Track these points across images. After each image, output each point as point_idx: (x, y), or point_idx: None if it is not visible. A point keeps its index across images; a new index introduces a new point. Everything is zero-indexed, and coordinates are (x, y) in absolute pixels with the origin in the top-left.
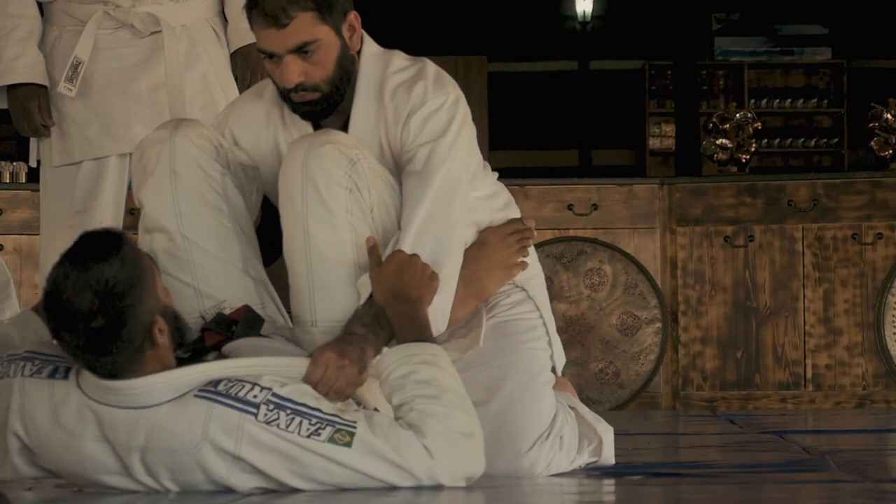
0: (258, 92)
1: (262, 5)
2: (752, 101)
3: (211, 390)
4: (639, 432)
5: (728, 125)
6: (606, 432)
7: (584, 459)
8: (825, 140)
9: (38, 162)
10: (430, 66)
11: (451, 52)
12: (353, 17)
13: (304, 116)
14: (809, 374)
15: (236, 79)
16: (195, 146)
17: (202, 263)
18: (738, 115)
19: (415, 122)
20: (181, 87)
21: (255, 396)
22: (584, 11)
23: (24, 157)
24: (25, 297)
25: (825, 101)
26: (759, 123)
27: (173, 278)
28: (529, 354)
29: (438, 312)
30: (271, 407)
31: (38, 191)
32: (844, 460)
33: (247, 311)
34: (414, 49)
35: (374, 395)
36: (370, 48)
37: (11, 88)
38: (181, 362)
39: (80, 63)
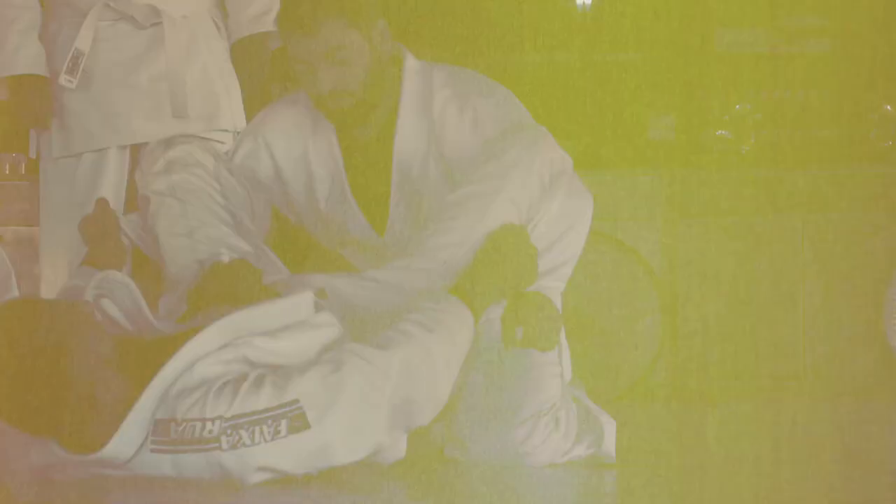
0: (293, 100)
1: (292, 13)
2: (753, 92)
3: (165, 440)
4: (637, 425)
5: (728, 117)
6: (609, 424)
7: (584, 450)
8: (826, 132)
9: (38, 153)
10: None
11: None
12: (383, 24)
13: (340, 125)
14: (809, 367)
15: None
16: (193, 145)
17: (195, 216)
18: (738, 106)
19: None
20: (182, 78)
21: (210, 432)
22: (584, 3)
23: (24, 149)
24: (24, 289)
25: (826, 93)
26: (760, 115)
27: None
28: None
29: None
30: (229, 432)
31: (38, 182)
32: (844, 453)
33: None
34: (413, 41)
35: None
36: (411, 63)
37: (12, 80)
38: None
39: (80, 55)
